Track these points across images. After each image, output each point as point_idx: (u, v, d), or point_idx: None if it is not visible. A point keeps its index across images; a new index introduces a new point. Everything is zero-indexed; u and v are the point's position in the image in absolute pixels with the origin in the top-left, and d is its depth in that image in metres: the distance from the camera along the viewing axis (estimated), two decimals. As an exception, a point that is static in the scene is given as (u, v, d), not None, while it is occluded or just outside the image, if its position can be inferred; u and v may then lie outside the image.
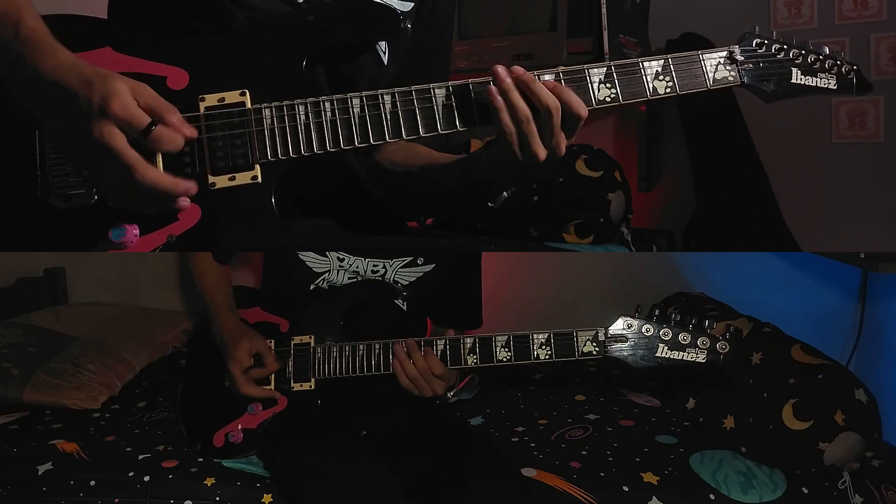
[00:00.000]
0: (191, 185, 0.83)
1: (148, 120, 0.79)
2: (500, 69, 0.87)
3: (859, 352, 1.99)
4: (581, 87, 0.91)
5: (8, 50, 0.79)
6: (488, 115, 0.89)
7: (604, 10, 1.94)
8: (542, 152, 0.87)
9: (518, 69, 0.88)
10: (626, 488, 1.33)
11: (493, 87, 0.87)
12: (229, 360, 1.32)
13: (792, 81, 0.97)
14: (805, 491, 1.33)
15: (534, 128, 0.87)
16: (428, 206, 1.17)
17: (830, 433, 1.33)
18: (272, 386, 1.34)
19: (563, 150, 0.89)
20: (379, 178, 1.11)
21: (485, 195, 1.00)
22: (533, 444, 1.50)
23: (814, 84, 0.98)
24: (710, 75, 0.94)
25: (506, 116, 0.87)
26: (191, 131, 0.83)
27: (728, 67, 0.95)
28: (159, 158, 0.83)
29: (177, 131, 0.81)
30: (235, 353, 1.31)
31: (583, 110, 0.88)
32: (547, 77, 0.90)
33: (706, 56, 0.94)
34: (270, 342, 1.36)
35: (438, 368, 1.25)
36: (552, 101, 0.86)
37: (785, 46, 0.97)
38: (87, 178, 0.85)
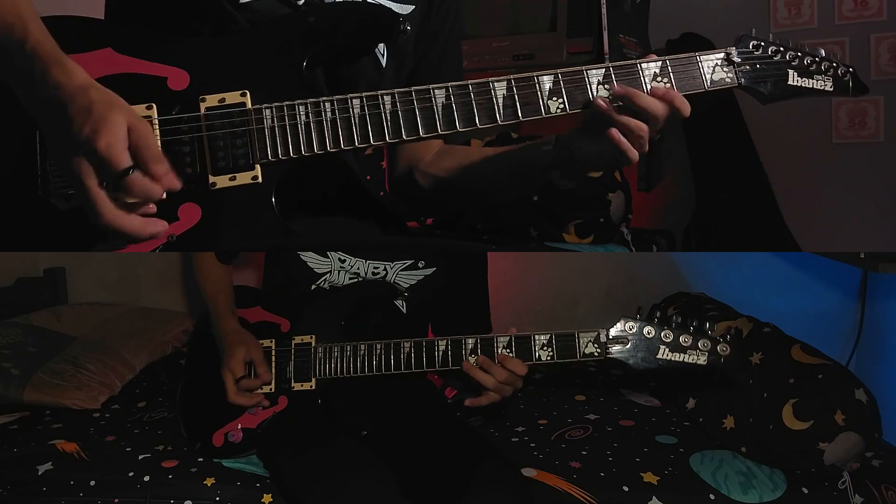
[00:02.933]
0: (158, 228, 0.82)
1: (128, 164, 0.77)
2: (601, 102, 0.91)
3: (859, 352, 1.99)
4: (580, 88, 0.92)
5: (14, 60, 0.79)
6: (487, 116, 0.90)
7: (604, 11, 1.94)
8: (636, 156, 0.92)
9: (619, 90, 0.91)
10: (626, 488, 1.33)
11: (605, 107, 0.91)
12: (223, 367, 1.32)
13: (788, 83, 0.98)
14: (805, 491, 1.33)
15: (647, 136, 0.91)
16: (502, 195, 1.23)
17: (830, 433, 1.33)
18: (272, 386, 1.34)
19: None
20: (439, 186, 1.13)
21: (571, 175, 1.06)
22: (533, 444, 1.51)
23: (810, 86, 0.99)
24: (708, 77, 0.95)
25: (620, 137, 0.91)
26: (173, 183, 0.81)
27: (725, 69, 0.96)
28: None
29: (157, 181, 0.79)
30: (229, 362, 1.31)
31: (687, 110, 0.92)
32: (594, 70, 0.92)
33: (704, 58, 0.95)
34: (271, 342, 1.36)
35: (522, 368, 1.18)
36: (660, 110, 0.91)
37: (781, 48, 0.98)
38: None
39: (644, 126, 0.90)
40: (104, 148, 0.75)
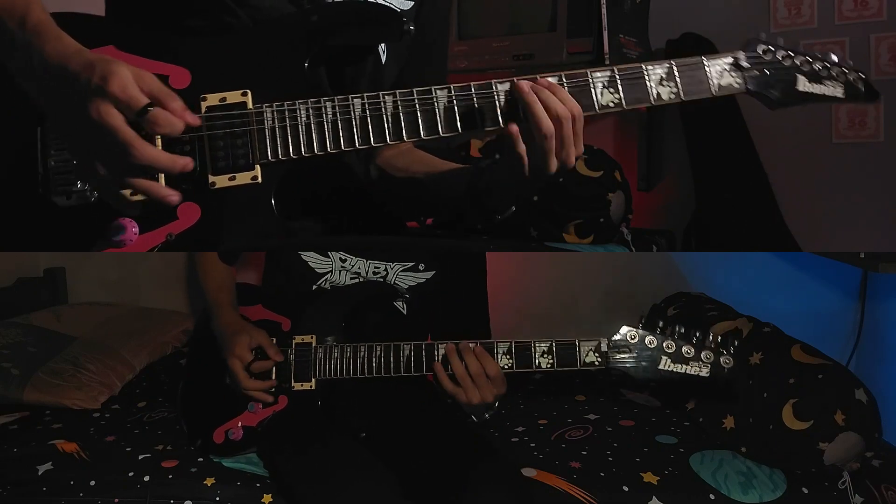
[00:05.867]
0: (188, 162, 0.83)
1: (146, 101, 0.79)
2: (525, 85, 0.87)
3: (859, 352, 1.99)
4: (584, 91, 0.90)
5: (16, 40, 0.80)
6: (490, 118, 0.89)
7: (604, 10, 1.94)
8: (555, 165, 0.87)
9: (533, 83, 0.87)
10: (626, 488, 1.33)
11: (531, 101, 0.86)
12: (229, 357, 1.31)
13: (798, 89, 0.95)
14: (805, 491, 1.33)
15: (553, 143, 0.86)
16: (430, 212, 1.17)
17: (830, 433, 1.33)
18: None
19: (573, 161, 0.88)
20: (381, 182, 1.11)
21: (491, 207, 0.99)
22: (533, 444, 1.51)
23: (820, 92, 0.96)
24: (715, 82, 0.93)
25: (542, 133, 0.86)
26: (192, 119, 0.83)
27: (733, 74, 0.93)
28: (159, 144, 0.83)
29: (178, 117, 0.81)
30: (235, 349, 1.31)
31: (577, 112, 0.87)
32: (550, 80, 0.89)
33: (711, 62, 0.93)
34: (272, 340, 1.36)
35: (493, 369, 1.19)
36: (566, 111, 0.86)
37: (791, 53, 0.95)
38: (84, 165, 0.84)
39: (551, 126, 0.86)
40: (119, 90, 0.77)
